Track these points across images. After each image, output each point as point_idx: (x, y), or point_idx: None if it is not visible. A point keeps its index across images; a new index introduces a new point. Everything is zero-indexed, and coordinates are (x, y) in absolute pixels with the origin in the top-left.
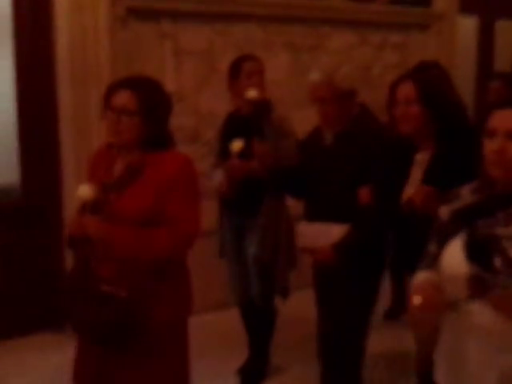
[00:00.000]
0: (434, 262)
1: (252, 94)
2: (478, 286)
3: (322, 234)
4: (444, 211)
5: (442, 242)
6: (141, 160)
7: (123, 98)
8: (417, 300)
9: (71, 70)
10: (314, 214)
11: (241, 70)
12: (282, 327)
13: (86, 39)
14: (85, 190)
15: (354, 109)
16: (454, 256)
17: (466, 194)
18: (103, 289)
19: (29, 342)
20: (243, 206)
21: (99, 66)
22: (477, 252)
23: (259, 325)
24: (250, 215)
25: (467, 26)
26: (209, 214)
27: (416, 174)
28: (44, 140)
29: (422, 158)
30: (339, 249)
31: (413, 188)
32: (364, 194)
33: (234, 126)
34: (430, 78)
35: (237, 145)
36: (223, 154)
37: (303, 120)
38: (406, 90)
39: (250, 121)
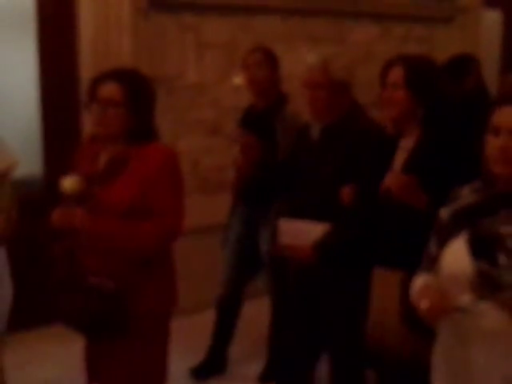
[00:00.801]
0: (433, 263)
1: (237, 80)
2: (485, 284)
3: (303, 232)
4: (444, 212)
5: (442, 242)
6: (125, 152)
7: (109, 90)
8: (424, 304)
9: (94, 62)
10: (296, 211)
11: (247, 62)
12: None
13: (108, 31)
14: (68, 182)
15: (344, 102)
16: (456, 255)
17: (467, 194)
18: (90, 280)
19: (49, 332)
20: (256, 198)
21: (122, 58)
22: (481, 250)
23: (229, 325)
24: (263, 210)
25: (491, 20)
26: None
27: (398, 160)
28: (66, 132)
29: (405, 145)
30: (319, 248)
31: (392, 175)
32: (346, 193)
33: (250, 120)
34: (420, 63)
35: (237, 80)
36: None
37: None
38: (395, 73)
39: (263, 116)
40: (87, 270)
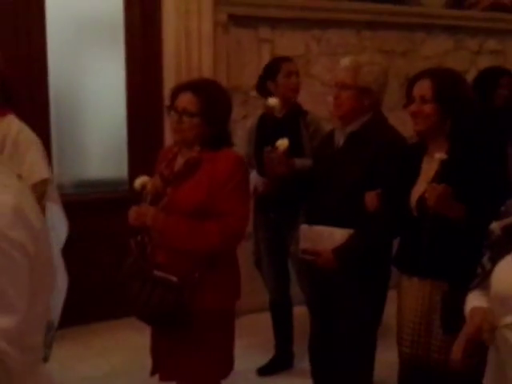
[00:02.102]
0: (486, 279)
1: (272, 102)
2: None
3: (324, 238)
4: (496, 226)
5: (496, 257)
6: (198, 157)
7: (185, 100)
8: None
9: (176, 73)
10: (318, 217)
11: (279, 70)
12: None
13: (190, 44)
14: (138, 182)
15: (367, 109)
16: (505, 274)
17: None
18: (156, 274)
19: (118, 324)
20: (283, 204)
21: (202, 69)
22: None
23: (286, 323)
24: (291, 214)
25: None
26: None
27: (427, 173)
28: (151, 139)
29: (435, 156)
30: (340, 253)
31: (423, 187)
32: (370, 199)
33: (268, 126)
34: (448, 76)
35: (283, 143)
36: (258, 154)
37: (396, 123)
38: (423, 87)
39: (283, 122)
40: (155, 265)
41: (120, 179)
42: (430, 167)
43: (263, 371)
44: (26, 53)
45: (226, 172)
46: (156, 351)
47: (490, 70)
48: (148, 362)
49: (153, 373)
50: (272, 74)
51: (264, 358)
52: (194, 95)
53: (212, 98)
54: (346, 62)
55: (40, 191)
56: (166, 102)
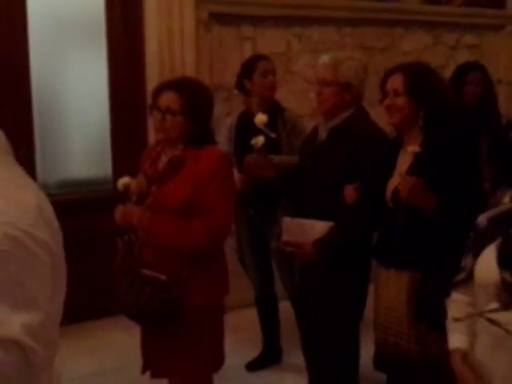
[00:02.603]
0: (469, 277)
1: (261, 118)
2: (508, 294)
3: (305, 230)
4: (482, 219)
5: (479, 249)
6: (182, 155)
7: (168, 99)
8: None
9: (159, 71)
10: (301, 209)
11: (255, 68)
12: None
13: (172, 42)
14: (121, 182)
15: (349, 104)
16: (487, 263)
17: (506, 201)
18: (144, 272)
19: (107, 323)
20: (262, 200)
21: (185, 67)
22: (507, 259)
23: (273, 318)
24: (270, 210)
25: None
26: None
27: (403, 164)
28: (134, 138)
29: (409, 149)
30: (321, 245)
31: (398, 179)
32: (349, 192)
33: (247, 124)
34: (419, 70)
35: (258, 140)
36: (238, 152)
37: (376, 118)
38: (395, 81)
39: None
40: (143, 264)
41: (104, 178)
42: (404, 160)
43: (252, 366)
44: (8, 52)
45: (210, 169)
46: (146, 349)
47: (459, 68)
48: (137, 361)
49: (144, 371)
50: (248, 72)
51: (252, 353)
52: (177, 94)
53: (194, 96)
54: (325, 59)
55: None
56: (149, 101)
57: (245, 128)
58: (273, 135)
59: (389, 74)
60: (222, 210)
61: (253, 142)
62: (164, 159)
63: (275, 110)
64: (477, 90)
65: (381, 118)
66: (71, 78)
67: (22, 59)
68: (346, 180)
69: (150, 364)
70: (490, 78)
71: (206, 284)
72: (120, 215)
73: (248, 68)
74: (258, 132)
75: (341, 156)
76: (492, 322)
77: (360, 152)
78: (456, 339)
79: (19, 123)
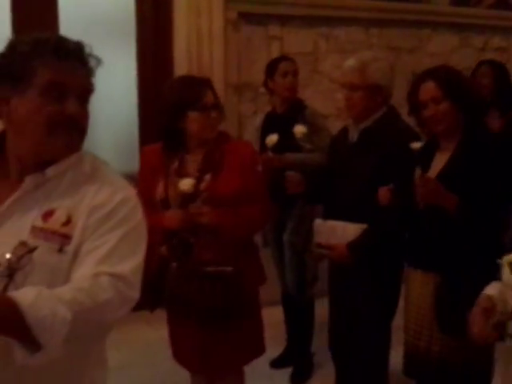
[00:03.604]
0: None
1: (300, 129)
2: None
3: (337, 232)
4: None
5: None
6: (219, 150)
7: (214, 97)
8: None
9: (188, 69)
10: (332, 212)
11: (276, 69)
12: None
13: (201, 41)
14: (189, 184)
15: (380, 105)
16: None
17: None
18: (209, 270)
19: (139, 316)
20: (282, 197)
21: (213, 66)
22: None
23: (296, 315)
24: (289, 206)
25: None
26: None
27: (436, 167)
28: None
29: (445, 150)
30: (354, 248)
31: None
32: (383, 194)
33: (271, 124)
34: (449, 74)
35: (271, 139)
36: (262, 150)
37: (404, 119)
38: (430, 89)
39: (282, 118)
40: (202, 263)
41: (132, 174)
42: (439, 161)
43: (276, 364)
44: None
45: (248, 159)
46: (201, 346)
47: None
48: (161, 355)
49: (196, 368)
50: (271, 73)
51: (276, 350)
52: (212, 91)
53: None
54: (350, 62)
55: None
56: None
57: (270, 128)
58: (308, 146)
59: (417, 82)
60: (264, 194)
61: (267, 140)
62: (193, 158)
63: (296, 108)
64: (484, 81)
65: (408, 119)
66: (101, 75)
67: None
68: (378, 182)
69: (206, 363)
70: (504, 72)
71: (254, 271)
72: (179, 218)
73: (270, 68)
74: (279, 131)
75: (374, 158)
76: None
77: (393, 154)
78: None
79: None
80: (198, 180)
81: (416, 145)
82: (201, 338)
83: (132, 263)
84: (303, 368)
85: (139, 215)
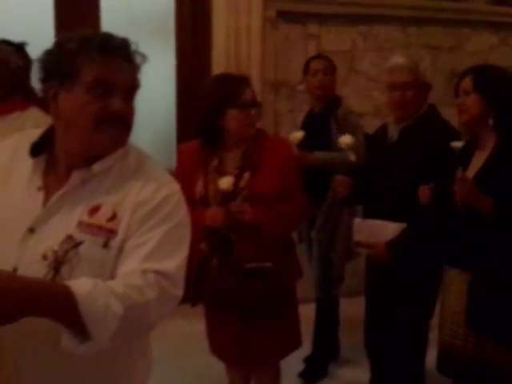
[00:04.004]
0: None
1: (345, 140)
2: None
3: (377, 231)
4: None
5: None
6: (258, 147)
7: (253, 94)
8: None
9: (226, 67)
10: (373, 210)
11: (309, 68)
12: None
13: (239, 40)
14: (228, 182)
15: (424, 104)
16: None
17: None
18: (249, 266)
19: (175, 310)
20: (310, 196)
21: (250, 64)
22: None
23: (322, 314)
24: (317, 204)
25: None
26: None
27: (475, 167)
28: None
29: (482, 152)
30: (393, 246)
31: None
32: (423, 192)
33: (309, 122)
34: (490, 70)
35: (296, 136)
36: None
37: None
38: (466, 81)
39: (316, 117)
40: (243, 260)
41: (169, 171)
42: (478, 161)
43: (309, 360)
44: None
45: (286, 156)
46: (243, 341)
47: None
48: (195, 349)
49: (240, 363)
50: (305, 72)
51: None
52: (251, 89)
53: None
54: (399, 61)
55: None
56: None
57: (307, 127)
58: (353, 158)
59: (461, 77)
60: (302, 191)
61: (291, 137)
62: (232, 156)
63: (332, 107)
64: None
65: (447, 118)
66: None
67: None
68: (419, 181)
69: (245, 357)
70: None
71: (291, 269)
72: (220, 216)
73: (305, 67)
74: (313, 129)
75: (415, 156)
76: None
77: (434, 152)
78: None
79: None
80: (237, 178)
81: (457, 144)
82: (239, 333)
83: (177, 260)
84: (317, 368)
85: (183, 211)
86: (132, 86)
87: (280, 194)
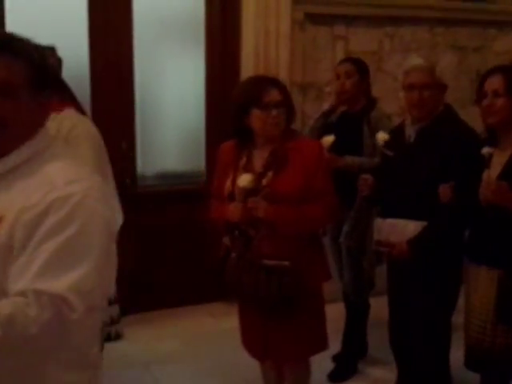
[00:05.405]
0: None
1: (382, 136)
2: None
3: (398, 230)
4: None
5: None
6: (284, 148)
7: (275, 95)
8: None
9: (254, 69)
10: (393, 210)
11: (335, 71)
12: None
13: (268, 42)
14: (247, 179)
15: (441, 104)
16: None
17: None
18: (267, 263)
19: (203, 309)
20: (339, 199)
21: (279, 66)
22: None
23: (351, 315)
24: (345, 208)
25: None
26: None
27: (497, 166)
28: (226, 133)
29: (504, 151)
30: (414, 245)
31: (492, 179)
32: (444, 191)
33: (340, 124)
34: None
35: (327, 139)
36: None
37: (467, 119)
38: (495, 82)
39: (351, 120)
40: (262, 256)
41: (198, 172)
42: (499, 160)
43: (337, 358)
44: (115, 52)
45: (315, 157)
46: (265, 337)
47: None
48: (224, 347)
49: (263, 359)
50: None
51: (337, 345)
52: (277, 89)
53: (286, 89)
54: (418, 62)
55: None
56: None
57: (339, 129)
58: (390, 153)
59: (487, 74)
60: (330, 192)
61: (323, 140)
62: (260, 154)
63: (366, 109)
64: None
65: (471, 118)
66: (171, 76)
67: (127, 58)
68: (439, 180)
69: (269, 352)
70: None
71: (318, 267)
72: (238, 211)
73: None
74: (342, 132)
75: (433, 156)
76: None
77: (454, 152)
78: None
79: (122, 119)
80: (261, 176)
81: (488, 150)
82: (262, 328)
83: (72, 278)
84: (347, 366)
85: (85, 215)
86: (4, 82)
87: (303, 194)
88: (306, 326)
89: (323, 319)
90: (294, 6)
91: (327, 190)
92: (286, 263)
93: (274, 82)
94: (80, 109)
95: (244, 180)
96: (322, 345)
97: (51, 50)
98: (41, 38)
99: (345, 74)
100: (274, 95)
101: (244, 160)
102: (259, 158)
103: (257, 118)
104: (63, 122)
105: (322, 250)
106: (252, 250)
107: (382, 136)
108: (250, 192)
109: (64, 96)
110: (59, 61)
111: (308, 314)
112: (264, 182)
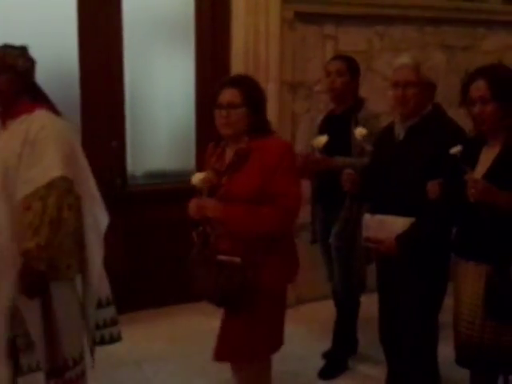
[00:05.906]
0: None
1: (361, 132)
2: None
3: (386, 226)
4: None
5: None
6: (248, 147)
7: (229, 95)
8: None
9: (244, 68)
10: (381, 207)
11: (324, 70)
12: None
13: (258, 40)
14: (196, 177)
15: (428, 103)
16: None
17: None
18: (220, 258)
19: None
20: (328, 200)
21: (268, 65)
22: None
23: (341, 313)
24: (335, 209)
25: None
26: None
27: (485, 163)
28: (217, 132)
29: (492, 149)
30: (402, 241)
31: (480, 176)
32: (433, 187)
33: (328, 124)
34: (502, 73)
35: (319, 140)
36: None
37: (457, 117)
38: (480, 88)
39: (337, 120)
40: (218, 251)
41: (188, 171)
42: (487, 157)
43: (328, 356)
44: (104, 51)
45: (275, 157)
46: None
47: None
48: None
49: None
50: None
51: (327, 343)
52: (235, 89)
53: (251, 89)
54: (404, 60)
55: (62, 187)
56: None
57: (326, 128)
58: (369, 148)
59: (471, 79)
60: (290, 195)
61: (315, 141)
62: (229, 153)
63: (354, 109)
64: None
65: (460, 117)
66: (160, 75)
67: (117, 58)
68: (427, 177)
69: (218, 347)
70: None
71: (278, 269)
72: (194, 208)
73: (324, 68)
74: (332, 132)
75: (422, 154)
76: None
77: (442, 150)
78: None
79: (113, 118)
80: (222, 175)
81: (455, 149)
82: (220, 326)
83: None
84: (338, 364)
85: None
86: None
87: (258, 195)
88: (258, 326)
89: (279, 321)
90: (283, 4)
91: (286, 192)
92: (238, 259)
93: (234, 83)
94: (53, 109)
95: (196, 178)
96: (272, 345)
97: (23, 50)
98: (30, 37)
99: (336, 72)
100: (226, 96)
101: (214, 159)
102: (228, 157)
103: (215, 118)
104: (33, 123)
105: (291, 250)
106: (209, 247)
107: (359, 131)
108: (211, 190)
109: (36, 97)
110: (31, 61)
111: (260, 314)
112: (223, 180)
